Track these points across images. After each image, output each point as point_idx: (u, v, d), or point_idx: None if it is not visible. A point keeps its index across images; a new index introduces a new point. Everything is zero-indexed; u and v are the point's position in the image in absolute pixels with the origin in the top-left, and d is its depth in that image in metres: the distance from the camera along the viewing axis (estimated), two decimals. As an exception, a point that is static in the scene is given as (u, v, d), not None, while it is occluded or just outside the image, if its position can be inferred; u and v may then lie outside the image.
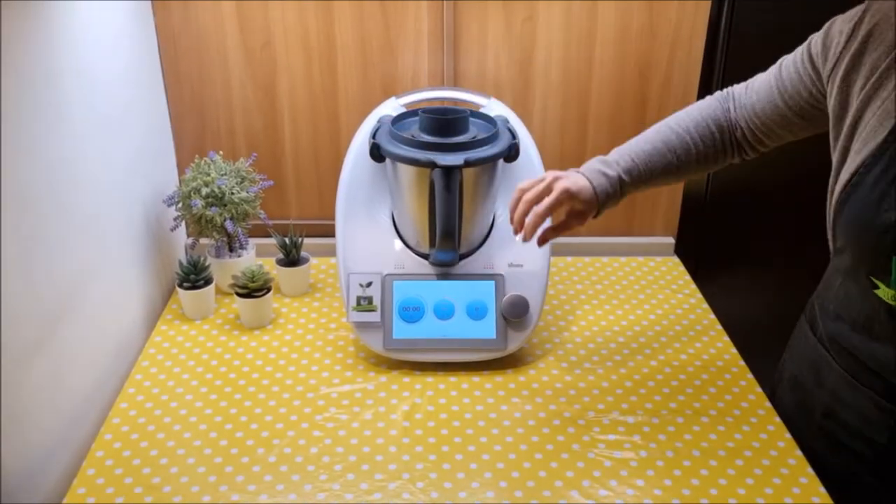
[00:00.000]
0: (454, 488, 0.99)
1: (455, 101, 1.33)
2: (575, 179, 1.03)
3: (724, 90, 1.10)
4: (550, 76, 1.46)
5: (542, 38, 1.43)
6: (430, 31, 1.42)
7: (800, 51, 1.00)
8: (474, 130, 1.20)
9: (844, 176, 0.91)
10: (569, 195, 1.01)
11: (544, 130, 1.50)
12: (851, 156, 0.90)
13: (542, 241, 1.07)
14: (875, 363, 0.95)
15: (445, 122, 1.16)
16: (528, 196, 1.02)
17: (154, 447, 1.05)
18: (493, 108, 1.29)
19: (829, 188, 0.95)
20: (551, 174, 1.04)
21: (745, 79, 1.08)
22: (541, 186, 1.02)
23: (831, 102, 0.93)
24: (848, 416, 1.00)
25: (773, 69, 1.04)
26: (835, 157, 0.94)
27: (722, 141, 1.07)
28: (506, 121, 1.24)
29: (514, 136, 1.20)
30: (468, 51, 1.44)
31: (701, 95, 1.51)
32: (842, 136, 0.92)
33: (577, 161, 1.52)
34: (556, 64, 1.45)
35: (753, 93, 1.04)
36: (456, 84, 1.46)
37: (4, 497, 0.88)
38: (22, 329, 0.92)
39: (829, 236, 0.98)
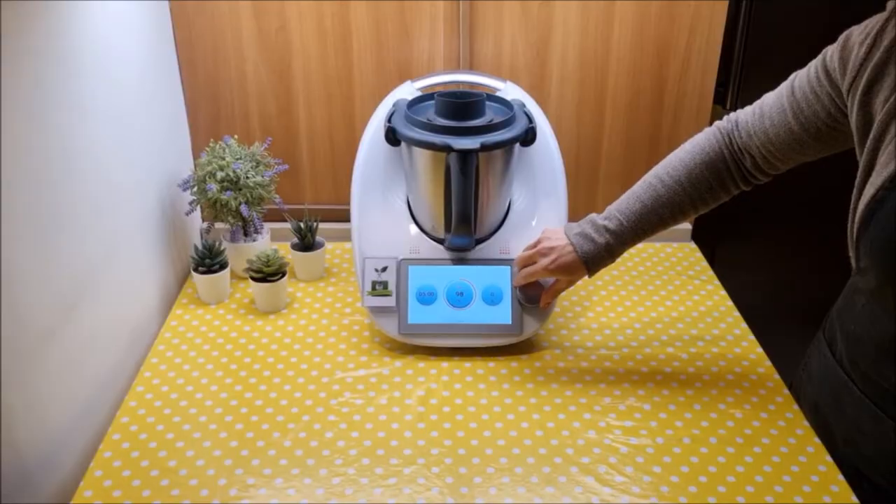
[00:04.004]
0: (469, 473, 0.98)
1: (471, 84, 1.32)
2: (560, 253, 1.10)
3: (728, 118, 1.05)
4: (567, 60, 1.44)
5: (558, 21, 1.41)
6: (446, 13, 1.40)
7: (813, 67, 0.94)
8: (490, 114, 1.19)
9: (869, 191, 0.85)
10: (549, 272, 1.13)
11: (561, 114, 1.49)
12: (877, 170, 0.84)
13: (543, 305, 1.20)
14: None
15: (461, 106, 1.15)
16: (517, 262, 1.18)
17: (170, 430, 1.05)
18: (510, 91, 1.28)
19: (852, 204, 0.89)
20: (541, 245, 1.13)
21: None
22: (526, 254, 1.15)
23: (853, 117, 0.87)
24: (868, 446, 0.96)
25: (783, 89, 0.98)
26: (859, 172, 0.88)
27: (721, 182, 1.04)
28: (522, 105, 1.23)
29: (530, 119, 1.19)
30: (484, 34, 1.42)
31: (720, 81, 1.50)
32: (866, 150, 0.86)
33: (593, 146, 1.52)
34: (573, 47, 1.43)
35: (766, 118, 0.98)
36: (472, 67, 1.45)
37: (22, 479, 0.89)
38: (39, 314, 0.92)
39: (852, 254, 0.91)
